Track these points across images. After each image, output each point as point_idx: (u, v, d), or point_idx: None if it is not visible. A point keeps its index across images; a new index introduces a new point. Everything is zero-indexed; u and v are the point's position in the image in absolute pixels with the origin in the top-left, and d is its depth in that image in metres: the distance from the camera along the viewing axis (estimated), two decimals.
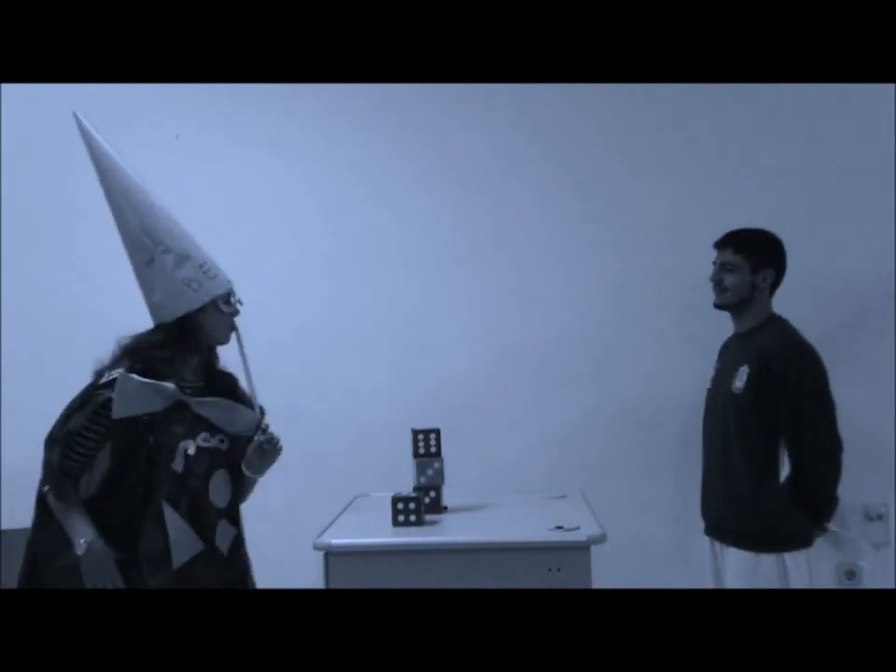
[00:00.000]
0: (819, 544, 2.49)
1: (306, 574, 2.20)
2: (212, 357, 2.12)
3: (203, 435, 2.00)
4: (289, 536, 2.49)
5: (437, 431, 2.50)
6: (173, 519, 1.93)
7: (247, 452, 2.08)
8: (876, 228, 3.09)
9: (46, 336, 3.19)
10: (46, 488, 1.94)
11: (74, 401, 1.95)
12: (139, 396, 1.91)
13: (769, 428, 2.42)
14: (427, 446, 2.49)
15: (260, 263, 3.24)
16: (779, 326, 2.52)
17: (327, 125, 3.28)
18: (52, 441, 1.93)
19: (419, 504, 2.31)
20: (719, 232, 2.61)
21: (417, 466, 2.48)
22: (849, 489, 2.45)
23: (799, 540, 2.42)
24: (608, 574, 2.21)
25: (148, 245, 1.97)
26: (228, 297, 2.04)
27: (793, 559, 2.39)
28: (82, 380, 2.02)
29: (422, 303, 3.24)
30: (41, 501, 1.96)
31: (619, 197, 3.21)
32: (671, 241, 3.17)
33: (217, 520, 2.03)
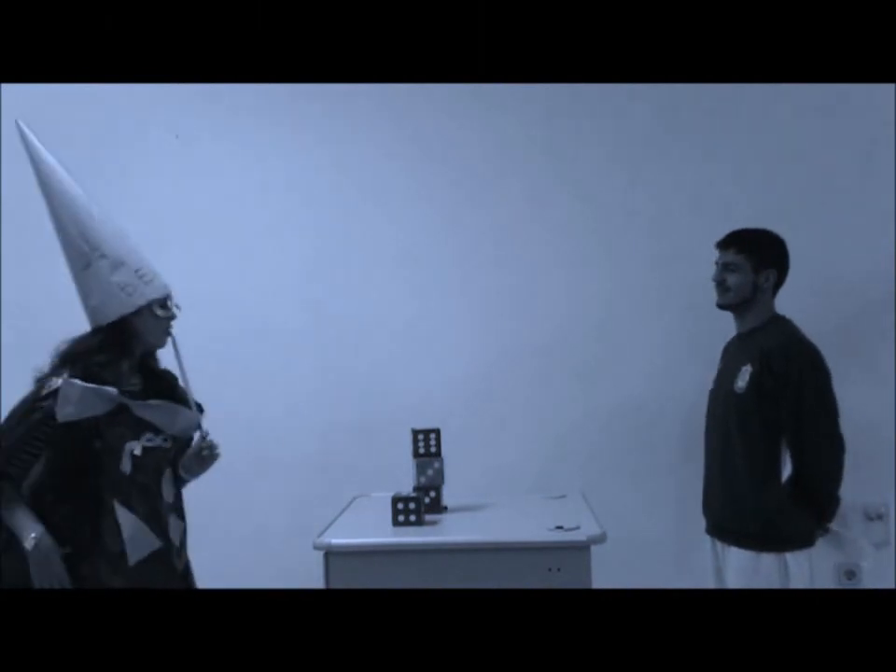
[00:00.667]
0: (820, 544, 2.49)
1: (306, 574, 2.20)
2: (151, 359, 2.15)
3: (148, 435, 2.04)
4: (289, 536, 2.49)
5: (437, 431, 2.50)
6: (126, 518, 1.97)
7: (186, 455, 2.13)
8: (876, 228, 3.09)
9: (46, 336, 3.19)
10: None
11: (16, 410, 1.97)
12: (82, 400, 1.94)
13: (771, 428, 2.42)
14: (427, 446, 2.48)
15: (260, 264, 3.25)
16: (782, 325, 2.51)
17: (325, 126, 3.28)
18: None
19: (419, 504, 2.31)
20: (719, 232, 2.61)
21: (417, 466, 2.48)
22: (849, 489, 2.45)
23: (801, 540, 2.42)
24: (608, 574, 2.21)
25: (85, 250, 2.00)
26: (164, 301, 2.07)
27: (795, 559, 2.39)
28: None
29: (422, 303, 3.24)
30: None
31: (618, 197, 3.21)
32: (671, 241, 3.17)
33: (168, 515, 2.08)
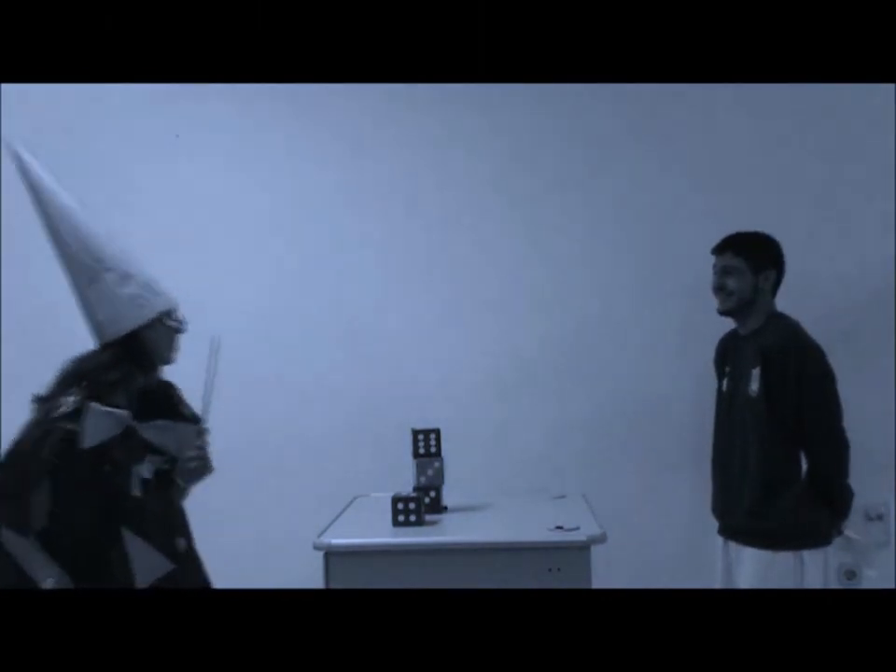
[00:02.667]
0: (833, 545, 2.48)
1: (306, 574, 2.20)
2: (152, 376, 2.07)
3: (151, 457, 1.97)
4: (289, 536, 2.49)
5: (437, 431, 2.50)
6: (134, 546, 1.89)
7: (179, 462, 2.04)
8: (876, 228, 3.09)
9: (46, 339, 3.18)
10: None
11: (28, 437, 1.87)
12: (105, 424, 1.88)
13: (785, 427, 2.42)
14: (427, 446, 2.49)
15: (261, 265, 3.25)
16: (780, 322, 2.52)
17: (323, 126, 3.28)
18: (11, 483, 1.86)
19: (419, 504, 2.31)
20: (718, 232, 2.60)
21: (417, 466, 2.48)
22: None
23: (818, 537, 2.42)
24: (608, 574, 2.21)
25: (90, 264, 1.94)
26: (173, 314, 2.02)
27: (811, 556, 2.39)
28: None
29: (422, 304, 3.24)
30: None
31: (617, 197, 3.22)
32: (671, 240, 3.17)
33: (177, 535, 2.01)
